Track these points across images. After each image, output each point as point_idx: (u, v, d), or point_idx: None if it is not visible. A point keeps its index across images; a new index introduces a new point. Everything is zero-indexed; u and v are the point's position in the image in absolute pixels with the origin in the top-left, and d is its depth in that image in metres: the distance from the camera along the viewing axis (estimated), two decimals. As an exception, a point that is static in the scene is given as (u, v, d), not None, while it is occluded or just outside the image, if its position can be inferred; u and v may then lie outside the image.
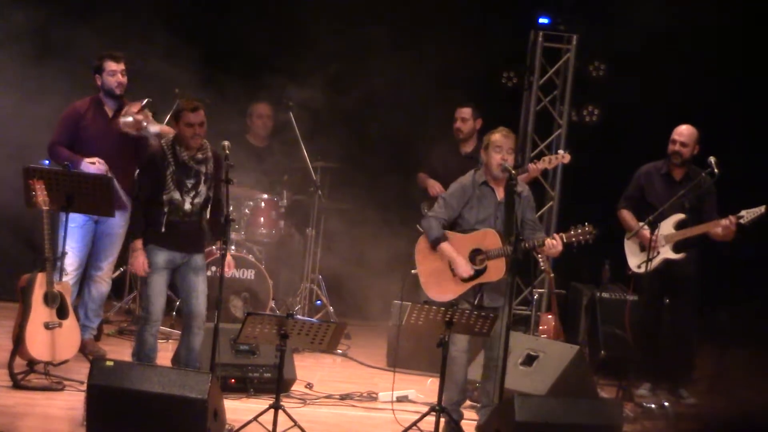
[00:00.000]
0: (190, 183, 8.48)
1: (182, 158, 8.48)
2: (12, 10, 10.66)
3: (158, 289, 8.48)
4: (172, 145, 8.51)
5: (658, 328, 9.80)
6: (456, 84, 12.09)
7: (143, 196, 8.54)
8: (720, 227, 9.44)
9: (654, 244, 9.46)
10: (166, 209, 8.44)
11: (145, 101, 9.43)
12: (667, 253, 9.61)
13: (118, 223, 9.47)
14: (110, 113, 9.53)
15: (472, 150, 10.73)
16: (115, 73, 9.53)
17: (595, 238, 8.38)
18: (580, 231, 8.38)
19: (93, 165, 9.34)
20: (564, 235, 8.40)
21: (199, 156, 8.50)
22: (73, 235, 9.18)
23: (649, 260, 9.48)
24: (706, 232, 9.53)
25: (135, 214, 8.64)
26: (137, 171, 8.92)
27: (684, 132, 9.71)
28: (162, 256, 8.46)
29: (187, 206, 8.48)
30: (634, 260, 9.75)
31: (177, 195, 8.46)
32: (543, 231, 8.83)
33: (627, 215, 9.85)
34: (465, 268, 8.41)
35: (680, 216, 9.61)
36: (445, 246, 8.44)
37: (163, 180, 8.43)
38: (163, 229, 8.43)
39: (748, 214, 9.40)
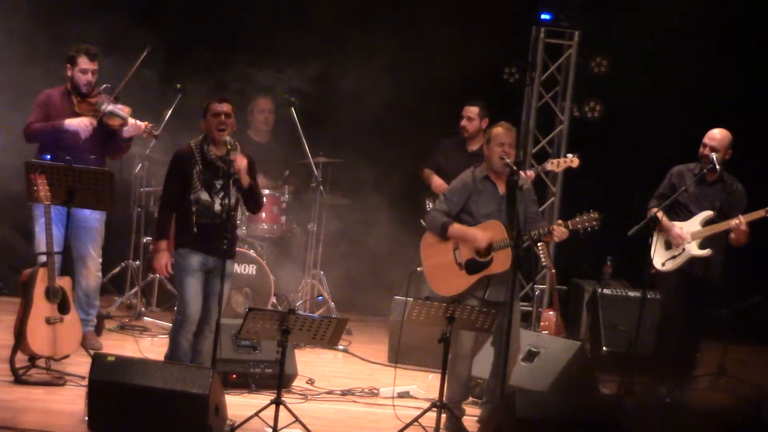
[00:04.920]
0: (219, 183, 8.37)
1: (210, 157, 8.37)
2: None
3: (194, 292, 8.36)
4: (200, 145, 8.41)
5: (678, 326, 9.71)
6: (458, 79, 12.08)
7: (169, 198, 8.46)
8: (731, 226, 9.40)
9: (676, 239, 9.44)
10: (194, 209, 8.33)
11: (102, 87, 9.54)
12: (693, 249, 9.56)
13: (92, 215, 9.46)
14: (76, 101, 9.54)
15: (478, 148, 10.70)
16: (86, 72, 9.50)
17: (601, 224, 8.38)
18: (585, 218, 8.39)
19: (78, 125, 9.34)
20: (570, 222, 8.40)
21: (229, 156, 8.35)
22: (40, 223, 9.11)
23: (651, 256, 9.45)
24: (728, 230, 9.48)
25: (160, 216, 8.56)
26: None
27: (716, 137, 9.58)
28: (196, 259, 8.35)
29: (217, 207, 8.35)
30: (660, 258, 9.64)
31: (205, 195, 8.34)
32: (545, 222, 8.83)
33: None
34: (481, 237, 8.36)
35: (708, 213, 9.53)
36: (454, 227, 8.41)
37: (190, 179, 8.34)
38: (194, 230, 8.32)
39: None
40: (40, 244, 9.05)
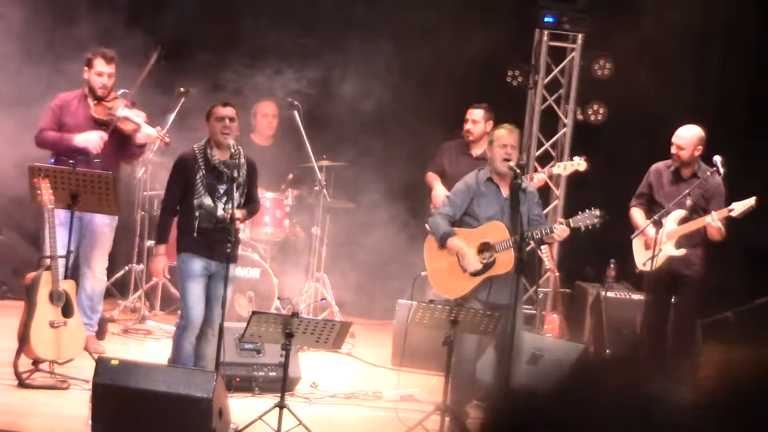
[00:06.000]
0: (222, 188, 8.37)
1: (213, 162, 8.35)
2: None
3: (196, 296, 8.34)
4: (203, 149, 8.39)
5: (665, 326, 9.74)
6: (460, 82, 12.08)
7: (171, 203, 8.45)
8: (704, 223, 9.43)
9: (653, 240, 9.44)
10: (197, 214, 8.32)
11: (120, 92, 9.59)
12: (668, 250, 9.59)
13: (103, 220, 9.48)
14: (93, 105, 9.57)
15: (483, 152, 10.69)
16: (102, 75, 9.53)
17: (603, 221, 8.36)
18: (587, 215, 8.38)
19: (88, 141, 9.35)
20: (571, 220, 8.39)
21: (232, 160, 8.36)
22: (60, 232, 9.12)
23: (653, 258, 9.46)
24: (704, 228, 9.51)
25: (161, 220, 8.57)
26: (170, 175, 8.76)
27: (681, 135, 9.65)
28: (198, 264, 8.34)
29: (220, 212, 8.33)
30: (640, 259, 9.72)
31: (208, 200, 8.32)
32: (549, 224, 8.83)
33: (636, 213, 9.80)
34: (473, 262, 8.37)
35: (681, 212, 9.58)
36: (453, 241, 8.42)
37: (193, 184, 8.33)
38: (195, 235, 8.32)
39: (738, 207, 9.39)
40: (48, 247, 9.03)
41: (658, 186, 9.75)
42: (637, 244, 9.75)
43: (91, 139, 9.39)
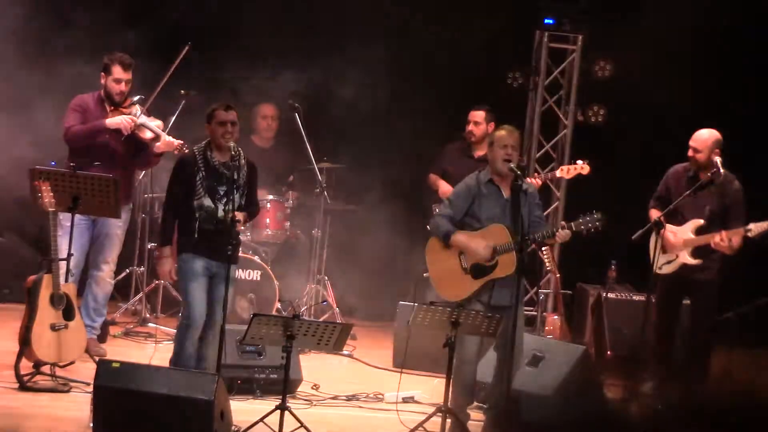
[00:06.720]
0: (222, 190, 8.37)
1: (213, 164, 8.36)
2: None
3: (198, 297, 8.34)
4: (203, 151, 8.39)
5: (674, 329, 9.71)
6: (461, 85, 12.09)
7: (172, 204, 8.44)
8: (714, 242, 9.35)
9: (670, 245, 9.40)
10: (197, 215, 8.32)
11: (136, 98, 9.58)
12: (685, 258, 9.51)
13: (116, 223, 9.49)
14: (109, 110, 9.58)
15: (484, 154, 10.67)
16: (120, 81, 9.54)
17: (605, 224, 8.35)
18: (588, 219, 8.37)
19: (121, 122, 9.39)
20: (573, 224, 8.38)
21: (232, 162, 8.37)
22: (68, 235, 9.14)
23: (654, 261, 9.44)
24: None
25: (164, 222, 8.56)
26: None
27: (697, 138, 9.55)
28: (199, 264, 8.34)
29: (220, 213, 8.33)
30: (658, 262, 9.61)
31: (208, 201, 8.33)
32: (549, 225, 8.82)
33: (654, 215, 9.73)
34: (482, 251, 8.33)
35: (699, 222, 9.48)
36: (457, 236, 8.39)
37: (194, 186, 8.32)
38: (196, 236, 8.32)
39: (756, 227, 9.20)
40: (60, 250, 9.02)
41: (675, 188, 9.63)
42: (656, 247, 9.64)
43: (123, 122, 9.41)
